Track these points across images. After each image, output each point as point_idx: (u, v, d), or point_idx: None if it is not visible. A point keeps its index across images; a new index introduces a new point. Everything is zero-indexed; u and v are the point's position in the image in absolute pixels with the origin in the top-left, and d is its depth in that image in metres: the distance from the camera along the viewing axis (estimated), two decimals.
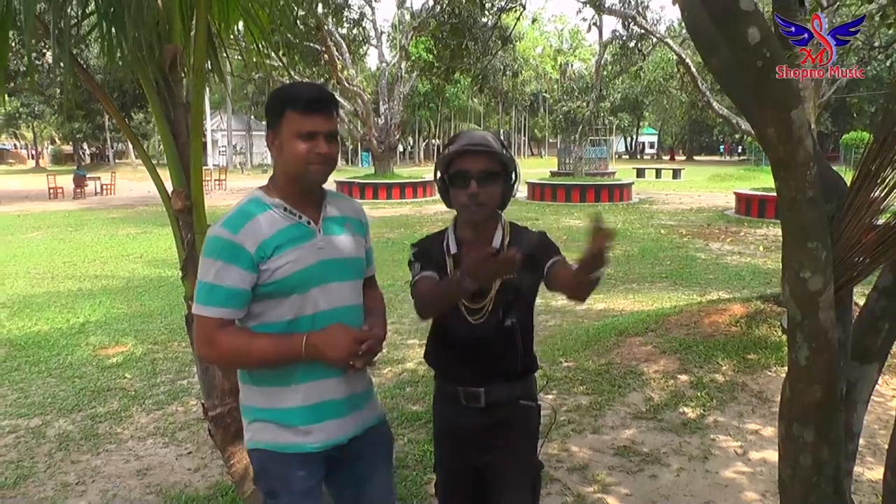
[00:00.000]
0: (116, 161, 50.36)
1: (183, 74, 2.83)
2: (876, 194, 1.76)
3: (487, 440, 2.13)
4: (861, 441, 3.79)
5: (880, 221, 1.78)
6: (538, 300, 2.25)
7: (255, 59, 3.57)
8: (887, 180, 1.73)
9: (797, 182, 1.64)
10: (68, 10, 2.70)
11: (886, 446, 2.25)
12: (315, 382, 1.88)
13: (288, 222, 1.87)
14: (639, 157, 71.54)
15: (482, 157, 2.02)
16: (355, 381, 1.96)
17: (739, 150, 60.35)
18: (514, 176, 2.11)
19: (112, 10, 2.63)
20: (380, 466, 2.11)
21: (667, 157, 65.33)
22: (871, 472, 3.62)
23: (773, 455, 3.78)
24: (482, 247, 1.95)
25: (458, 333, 2.13)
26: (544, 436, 2.30)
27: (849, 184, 1.83)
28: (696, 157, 63.91)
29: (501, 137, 2.11)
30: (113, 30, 2.67)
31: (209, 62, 3.10)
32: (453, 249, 2.14)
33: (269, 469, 1.94)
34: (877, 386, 4.30)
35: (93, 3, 2.82)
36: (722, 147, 68.53)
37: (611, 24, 34.19)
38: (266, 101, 1.91)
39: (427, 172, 31.39)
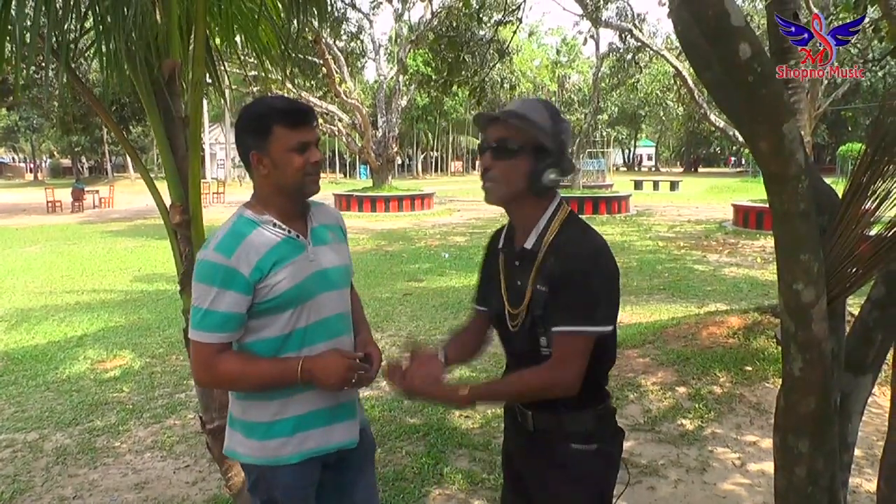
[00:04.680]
0: (115, 174, 50.49)
1: (181, 88, 2.85)
2: (867, 206, 1.78)
3: (535, 479, 1.88)
4: (860, 452, 3.82)
5: (872, 233, 1.80)
6: None
7: (254, 73, 3.60)
8: (878, 192, 1.75)
9: (789, 195, 1.66)
10: (66, 25, 2.72)
11: None
12: (314, 392, 1.90)
13: (279, 238, 1.88)
14: (637, 169, 71.81)
15: (497, 125, 1.75)
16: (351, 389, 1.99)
17: (742, 162, 60.66)
18: (554, 154, 1.73)
19: (110, 24, 2.65)
20: (366, 471, 2.15)
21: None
22: (869, 483, 3.62)
23: (770, 467, 3.77)
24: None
25: (503, 340, 1.94)
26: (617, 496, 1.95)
27: (841, 196, 1.85)
28: (700, 170, 64.25)
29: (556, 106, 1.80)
30: (111, 45, 2.69)
31: (208, 76, 3.13)
32: (500, 244, 1.92)
33: (269, 479, 1.96)
34: (875, 398, 4.34)
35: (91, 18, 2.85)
36: (724, 159, 69.11)
37: (608, 36, 34.38)
38: (242, 123, 1.87)
39: (425, 185, 31.40)
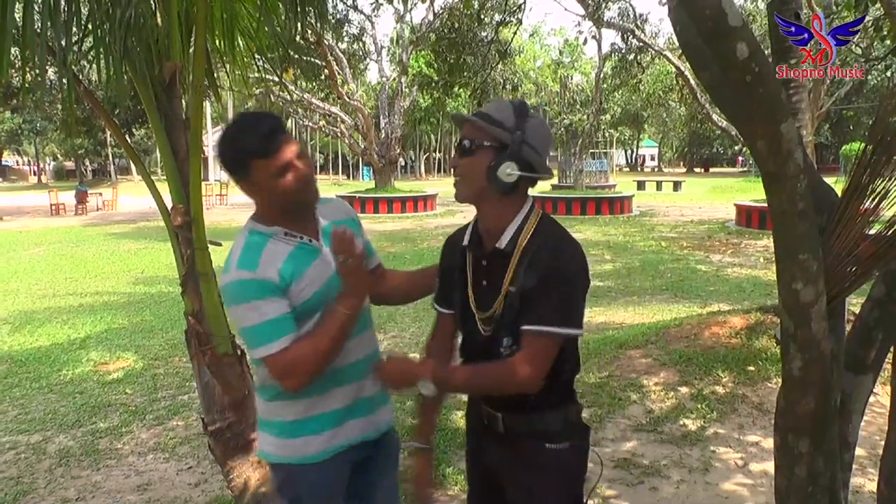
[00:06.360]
0: (119, 176, 50.63)
1: (182, 91, 2.86)
2: (867, 205, 1.78)
3: (510, 479, 1.89)
4: (863, 452, 3.82)
5: (872, 232, 1.80)
6: None
7: (254, 76, 3.61)
8: (877, 190, 1.75)
9: (787, 194, 1.66)
10: (70, 28, 2.73)
11: None
12: (339, 389, 1.93)
13: (292, 246, 1.88)
14: (639, 169, 71.78)
15: (462, 126, 1.82)
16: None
17: (749, 162, 60.64)
18: (513, 149, 1.72)
19: (108, 28, 2.66)
20: (389, 472, 2.16)
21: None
22: (872, 483, 3.60)
23: (773, 467, 3.78)
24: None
25: (470, 343, 1.92)
26: (588, 491, 1.96)
27: (840, 195, 1.85)
28: (711, 170, 64.37)
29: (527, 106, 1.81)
30: (110, 48, 2.70)
31: (208, 79, 3.14)
32: (465, 241, 1.90)
33: (296, 479, 1.97)
34: (879, 397, 4.32)
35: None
36: (727, 159, 69.24)
37: (610, 37, 34.39)
38: (221, 161, 1.87)
39: (428, 186, 31.38)
